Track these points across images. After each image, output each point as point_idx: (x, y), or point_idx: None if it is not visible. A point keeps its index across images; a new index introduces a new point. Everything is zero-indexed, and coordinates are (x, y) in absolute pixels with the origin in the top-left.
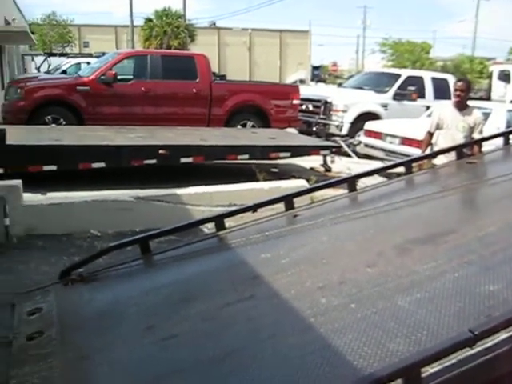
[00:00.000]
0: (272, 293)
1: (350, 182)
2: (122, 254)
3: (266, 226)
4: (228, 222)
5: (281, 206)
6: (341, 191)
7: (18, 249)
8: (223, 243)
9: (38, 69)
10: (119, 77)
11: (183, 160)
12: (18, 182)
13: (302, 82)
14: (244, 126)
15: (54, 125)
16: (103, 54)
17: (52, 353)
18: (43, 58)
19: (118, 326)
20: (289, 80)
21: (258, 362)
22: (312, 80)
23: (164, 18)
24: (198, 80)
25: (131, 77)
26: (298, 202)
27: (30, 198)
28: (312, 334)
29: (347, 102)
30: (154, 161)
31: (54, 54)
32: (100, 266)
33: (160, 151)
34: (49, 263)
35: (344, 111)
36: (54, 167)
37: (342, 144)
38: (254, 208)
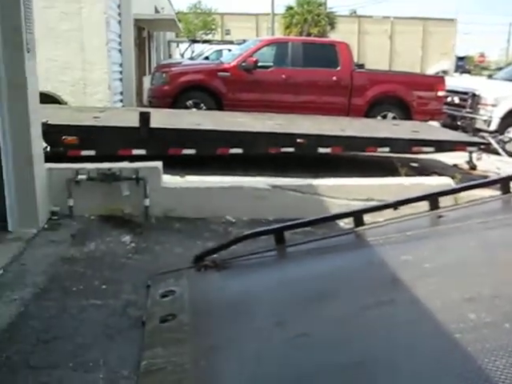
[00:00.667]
0: (413, 300)
1: (504, 183)
2: (255, 242)
3: (407, 224)
4: (366, 218)
5: (423, 205)
6: (489, 192)
7: (155, 229)
8: (361, 240)
9: (182, 55)
10: (260, 64)
11: (321, 150)
12: (159, 164)
13: (445, 73)
14: (384, 117)
15: (194, 109)
16: (244, 41)
17: (183, 338)
18: (187, 44)
19: (248, 317)
20: (430, 71)
21: (393, 376)
22: (456, 71)
23: (305, 6)
24: (338, 68)
25: (271, 64)
26: (440, 201)
27: (168, 180)
28: (457, 353)
29: (498, 96)
30: (291, 149)
31: (197, 41)
32: (233, 253)
33: (298, 140)
34: (183, 246)
35: (494, 105)
36: (193, 151)
37: (491, 140)
38: (395, 205)
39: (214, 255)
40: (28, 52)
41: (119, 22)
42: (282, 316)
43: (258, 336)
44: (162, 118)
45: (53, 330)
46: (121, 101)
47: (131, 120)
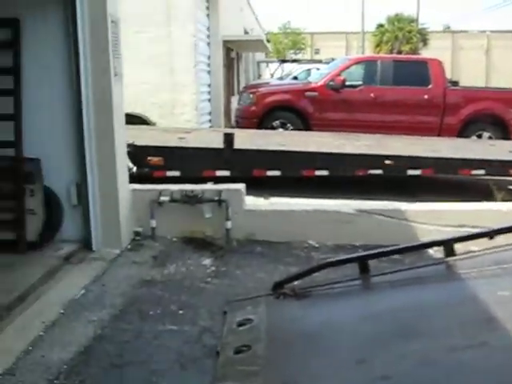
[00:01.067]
0: (510, 343)
1: None
2: (338, 269)
3: (505, 256)
4: (458, 246)
5: None
6: None
7: (236, 253)
8: (452, 272)
9: (272, 75)
10: (348, 83)
11: (410, 172)
12: (242, 186)
13: None
14: (479, 137)
15: (281, 129)
16: (332, 59)
17: (256, 372)
18: (277, 64)
19: (326, 352)
20: None
21: None
22: None
23: (396, 23)
24: (430, 86)
25: (360, 82)
26: None
27: (251, 202)
28: None
29: None
30: (379, 171)
31: (287, 61)
32: (314, 281)
33: (386, 161)
34: (265, 271)
35: None
36: (277, 172)
37: None
38: (491, 234)
39: (294, 283)
40: (115, 76)
41: (208, 44)
42: (362, 353)
43: (336, 374)
44: (247, 139)
45: (127, 354)
46: (209, 121)
47: (216, 141)
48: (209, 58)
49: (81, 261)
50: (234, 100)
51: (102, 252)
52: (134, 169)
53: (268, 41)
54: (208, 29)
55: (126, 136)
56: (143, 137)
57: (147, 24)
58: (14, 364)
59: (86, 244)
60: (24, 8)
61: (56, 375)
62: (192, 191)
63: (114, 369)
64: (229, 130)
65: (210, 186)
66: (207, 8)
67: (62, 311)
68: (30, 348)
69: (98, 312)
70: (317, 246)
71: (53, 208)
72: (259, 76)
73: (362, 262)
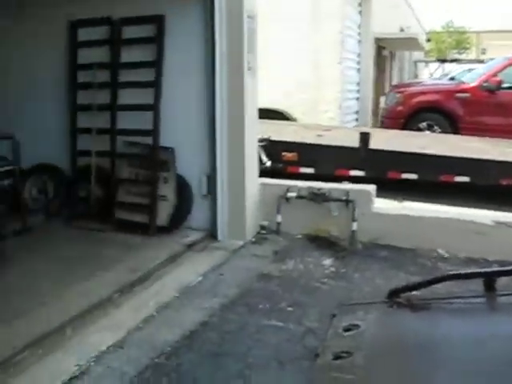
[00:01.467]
0: None
1: None
2: (463, 283)
3: None
4: None
5: None
6: None
7: (359, 255)
8: None
9: (431, 75)
10: (505, 84)
11: None
12: (371, 188)
13: None
14: None
15: (427, 132)
16: (491, 59)
17: (351, 381)
18: (437, 64)
19: (433, 372)
20: None
21: None
22: None
23: None
24: None
25: None
26: None
27: (381, 204)
28: None
29: None
30: None
31: (445, 61)
32: (433, 292)
33: None
34: (384, 276)
35: None
36: (414, 176)
37: None
38: None
39: (412, 292)
40: (248, 70)
41: (358, 42)
42: (475, 379)
43: None
44: (386, 140)
45: (227, 345)
46: (356, 120)
47: (354, 140)
48: (358, 55)
49: (203, 249)
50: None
51: (225, 242)
52: (269, 163)
53: (429, 40)
54: (359, 26)
55: (257, 130)
56: (282, 132)
57: (294, 19)
58: (123, 338)
59: (211, 233)
60: (168, 5)
61: (158, 354)
62: (319, 189)
63: (211, 357)
64: (367, 130)
65: (337, 185)
66: (359, 5)
67: (176, 295)
68: (141, 326)
69: (210, 300)
70: (446, 256)
71: (184, 196)
72: (416, 76)
73: (489, 279)
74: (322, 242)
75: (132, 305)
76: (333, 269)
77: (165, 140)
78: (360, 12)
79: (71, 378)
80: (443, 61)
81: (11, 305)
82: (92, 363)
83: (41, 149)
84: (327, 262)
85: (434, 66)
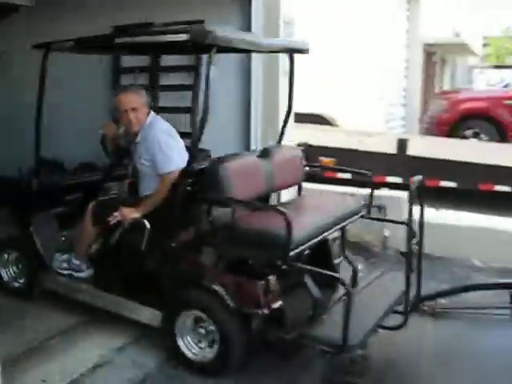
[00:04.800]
0: None
1: None
2: (491, 294)
3: None
4: None
5: None
6: None
7: (389, 262)
8: None
9: (487, 81)
10: None
11: None
12: (403, 194)
13: None
14: None
15: (474, 139)
16: None
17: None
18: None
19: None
20: None
21: None
22: None
23: None
24: None
25: None
26: None
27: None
28: None
29: None
30: None
31: (501, 67)
32: (459, 301)
33: None
34: (414, 284)
35: None
36: (452, 184)
37: None
38: None
39: (437, 300)
40: (284, 74)
41: (406, 47)
42: None
43: None
44: (427, 147)
45: None
46: (402, 126)
47: (394, 147)
48: (406, 61)
49: None
50: None
51: None
52: (306, 168)
53: (485, 45)
54: (407, 31)
55: (293, 134)
56: (322, 137)
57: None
58: None
59: None
60: (207, 11)
61: None
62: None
63: None
64: (406, 136)
65: (368, 190)
66: (407, 10)
67: None
68: None
69: None
70: (480, 266)
71: None
72: (470, 82)
73: None
74: (353, 247)
75: None
76: (361, 274)
77: (202, 142)
78: (408, 17)
79: None
80: (498, 66)
81: None
82: None
83: None
84: (358, 267)
85: (491, 72)
